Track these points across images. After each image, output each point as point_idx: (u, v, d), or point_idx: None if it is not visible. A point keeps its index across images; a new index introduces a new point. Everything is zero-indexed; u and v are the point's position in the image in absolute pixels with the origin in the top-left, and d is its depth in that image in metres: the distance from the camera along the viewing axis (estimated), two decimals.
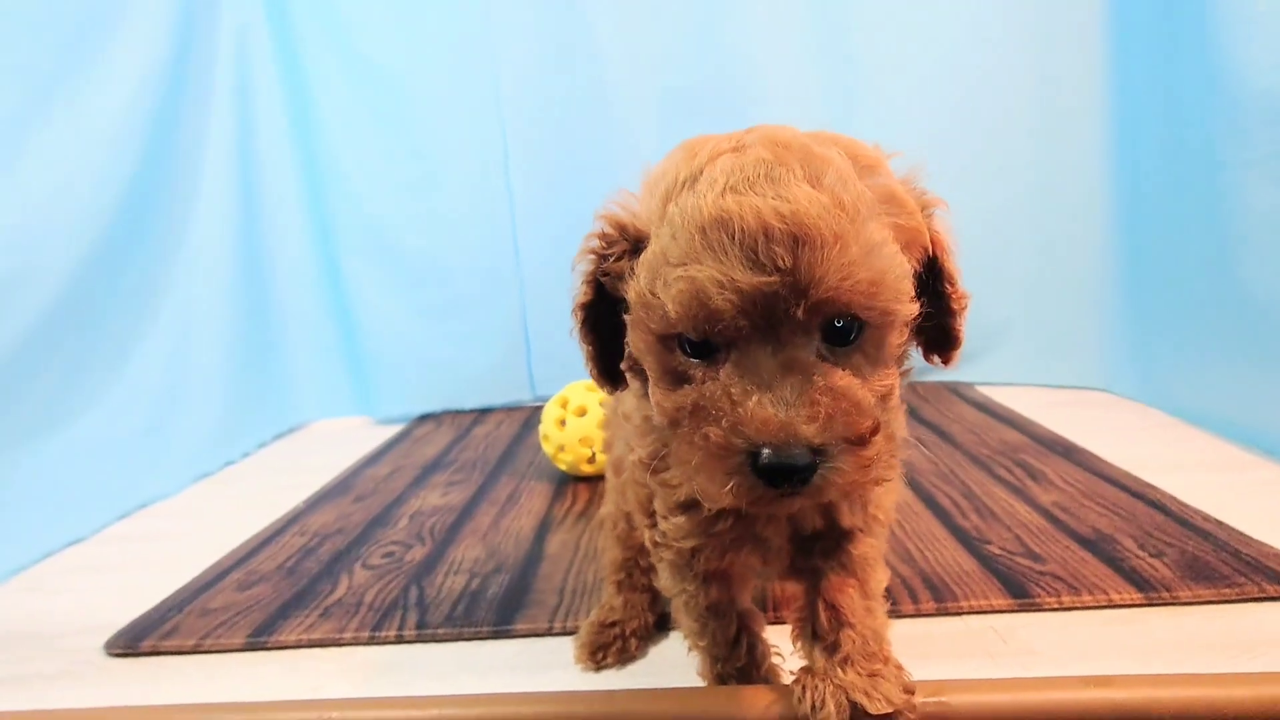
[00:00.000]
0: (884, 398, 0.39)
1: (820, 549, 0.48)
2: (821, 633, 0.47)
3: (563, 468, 1.10)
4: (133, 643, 0.71)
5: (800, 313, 0.35)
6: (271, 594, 0.80)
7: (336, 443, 1.43)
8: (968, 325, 0.43)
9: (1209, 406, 1.11)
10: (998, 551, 0.77)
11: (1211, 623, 0.63)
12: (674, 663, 0.64)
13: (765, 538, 0.47)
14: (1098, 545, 0.76)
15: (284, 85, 1.48)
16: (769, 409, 0.35)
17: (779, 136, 0.38)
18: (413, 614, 0.73)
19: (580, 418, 1.07)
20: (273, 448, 1.44)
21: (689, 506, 0.47)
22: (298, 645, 0.70)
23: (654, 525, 0.50)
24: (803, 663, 0.49)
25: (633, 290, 0.39)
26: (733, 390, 0.36)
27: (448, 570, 0.83)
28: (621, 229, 0.41)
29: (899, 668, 0.46)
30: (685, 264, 0.36)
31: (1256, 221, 0.99)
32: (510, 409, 1.57)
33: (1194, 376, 1.14)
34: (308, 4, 1.45)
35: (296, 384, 1.54)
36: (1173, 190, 1.15)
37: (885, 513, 0.48)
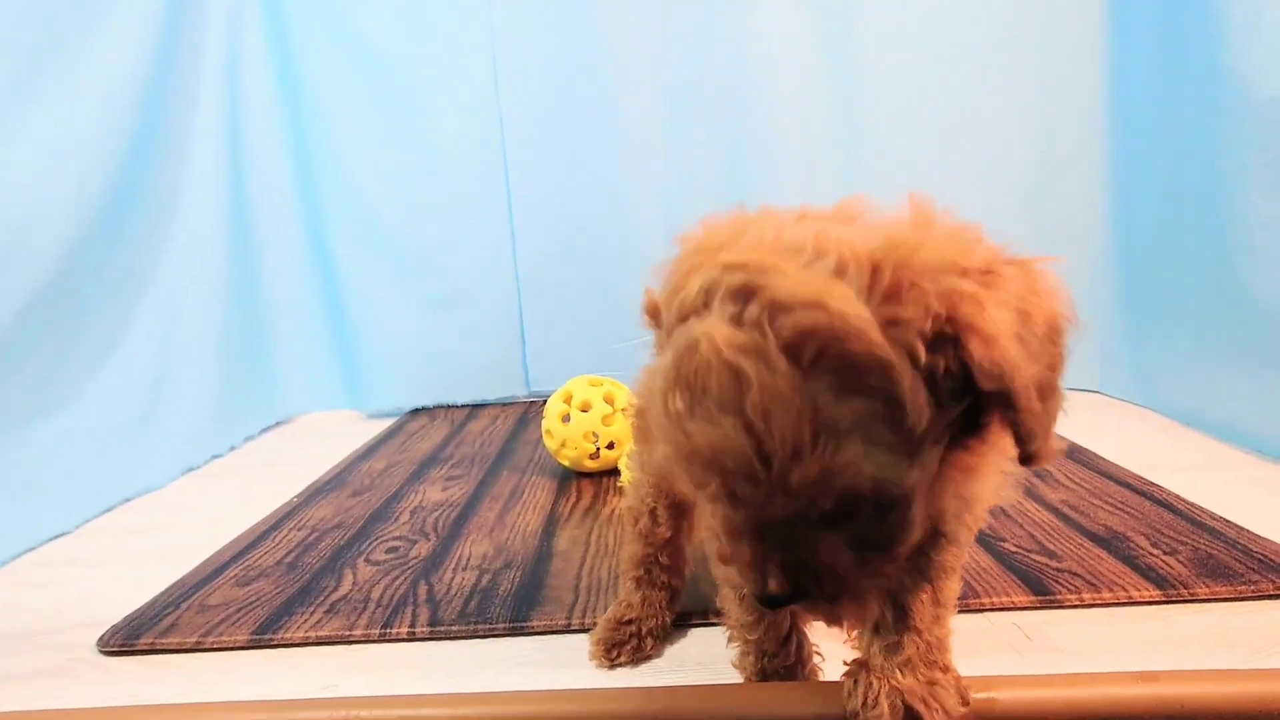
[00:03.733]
0: (884, 557, 0.37)
1: None
2: (885, 630, 0.45)
3: (565, 463, 1.08)
4: (129, 640, 0.68)
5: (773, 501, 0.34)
6: (273, 590, 0.77)
7: (325, 437, 1.40)
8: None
9: (1205, 408, 1.13)
10: (1013, 549, 0.77)
11: (1230, 619, 0.64)
12: (693, 660, 0.63)
13: None
14: (1111, 543, 0.77)
15: (276, 68, 1.44)
16: (743, 563, 0.38)
17: (754, 280, 0.32)
18: (424, 610, 0.71)
19: (584, 413, 1.06)
20: (260, 441, 1.40)
21: None
22: (305, 643, 0.68)
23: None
24: (848, 658, 0.48)
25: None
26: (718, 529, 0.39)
27: (455, 566, 0.81)
28: (654, 311, 0.40)
29: (958, 678, 0.45)
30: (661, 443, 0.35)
31: (1257, 227, 1.00)
32: (504, 404, 1.55)
33: (1190, 379, 1.16)
34: None
35: (285, 376, 1.50)
36: (1170, 194, 1.17)
37: (977, 520, 0.46)
